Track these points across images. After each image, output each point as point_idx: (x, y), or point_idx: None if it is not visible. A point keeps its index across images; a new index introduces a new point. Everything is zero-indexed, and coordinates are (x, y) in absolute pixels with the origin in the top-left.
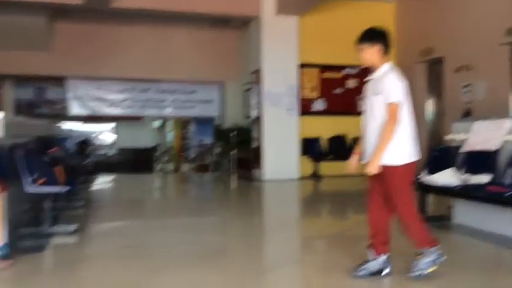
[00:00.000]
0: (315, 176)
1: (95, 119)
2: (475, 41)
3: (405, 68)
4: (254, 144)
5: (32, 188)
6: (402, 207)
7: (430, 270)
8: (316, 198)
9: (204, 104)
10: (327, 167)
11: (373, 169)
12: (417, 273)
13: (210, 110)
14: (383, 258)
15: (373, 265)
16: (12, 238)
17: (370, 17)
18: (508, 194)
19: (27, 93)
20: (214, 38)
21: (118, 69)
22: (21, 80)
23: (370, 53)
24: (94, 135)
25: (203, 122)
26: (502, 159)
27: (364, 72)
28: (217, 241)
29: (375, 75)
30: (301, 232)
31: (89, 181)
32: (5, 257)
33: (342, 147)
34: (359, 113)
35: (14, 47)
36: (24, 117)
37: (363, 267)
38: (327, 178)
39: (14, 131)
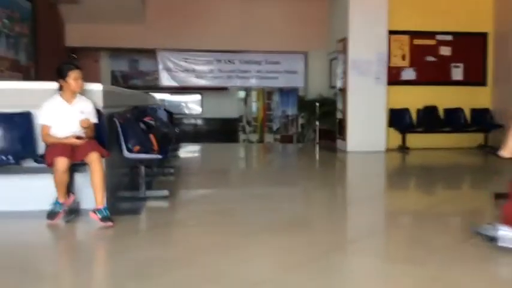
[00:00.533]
0: (402, 149)
1: (183, 89)
2: None
3: (505, 33)
4: (339, 115)
5: (129, 155)
6: None
7: None
8: (402, 171)
9: (289, 74)
10: (415, 139)
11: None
12: None
13: (295, 81)
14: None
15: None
16: (111, 201)
17: None
18: None
19: (122, 65)
20: (300, 7)
21: (205, 40)
22: (116, 52)
23: None
24: (183, 105)
25: (287, 93)
26: None
27: (458, 39)
28: (301, 211)
29: None
30: (385, 206)
31: (179, 149)
32: (107, 218)
33: (432, 119)
34: (452, 82)
35: (109, 20)
36: (120, 88)
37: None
38: (414, 151)
39: (111, 101)
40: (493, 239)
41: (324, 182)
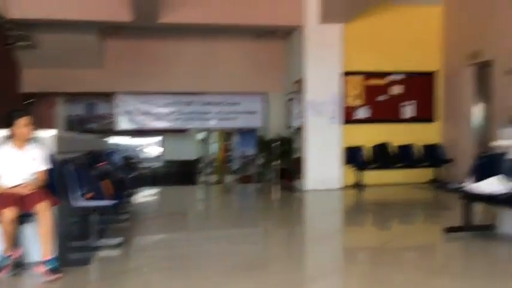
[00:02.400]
0: (358, 186)
1: (142, 132)
2: None
3: (452, 72)
4: (296, 154)
5: (80, 202)
6: None
7: None
8: (359, 208)
9: (247, 115)
10: (370, 176)
11: None
12: None
13: (253, 121)
14: None
15: None
16: (61, 251)
17: (416, 22)
18: None
19: (78, 109)
20: (258, 49)
21: (164, 83)
22: (72, 96)
23: None
24: (140, 148)
25: (246, 133)
26: None
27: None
28: (260, 252)
29: None
30: (343, 243)
31: (135, 194)
32: (55, 270)
33: (386, 156)
34: (403, 120)
35: (66, 65)
36: (74, 133)
37: None
38: (370, 187)
39: (65, 147)
40: None
41: (282, 221)
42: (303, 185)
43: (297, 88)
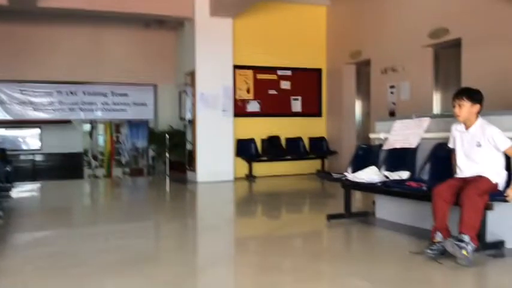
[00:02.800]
0: (249, 177)
1: (19, 123)
2: (400, 43)
3: (335, 70)
4: (188, 147)
5: None
6: None
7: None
8: (250, 198)
9: (138, 106)
10: (261, 168)
11: None
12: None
13: (144, 113)
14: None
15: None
16: None
17: (303, 20)
18: (425, 188)
19: None
20: (148, 39)
21: (44, 71)
22: None
23: (468, 112)
24: (20, 140)
25: (137, 125)
26: (421, 156)
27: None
28: (150, 245)
29: (470, 130)
30: (234, 233)
31: (11, 189)
32: None
33: (275, 148)
34: (292, 114)
35: None
36: None
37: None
38: (260, 179)
39: None
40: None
41: (174, 214)
42: (195, 177)
43: (189, 80)
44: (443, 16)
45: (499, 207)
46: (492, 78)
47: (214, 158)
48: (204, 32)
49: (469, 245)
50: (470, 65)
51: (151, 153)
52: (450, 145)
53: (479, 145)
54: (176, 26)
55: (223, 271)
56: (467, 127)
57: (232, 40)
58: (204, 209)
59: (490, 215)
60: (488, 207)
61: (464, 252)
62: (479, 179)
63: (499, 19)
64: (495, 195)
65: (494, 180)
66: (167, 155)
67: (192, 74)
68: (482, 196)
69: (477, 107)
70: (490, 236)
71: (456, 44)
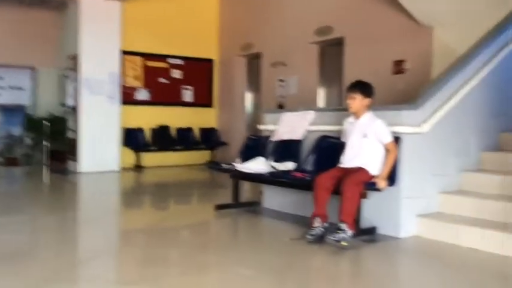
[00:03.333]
0: (137, 168)
1: None
2: (289, 38)
3: (227, 61)
4: (70, 135)
5: None
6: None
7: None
8: (137, 190)
9: (13, 90)
10: (150, 158)
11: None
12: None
13: (20, 98)
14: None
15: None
16: None
17: (196, 8)
18: (309, 178)
19: None
20: (27, 18)
21: None
22: None
23: (359, 104)
24: None
25: (12, 111)
26: (305, 148)
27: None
28: (25, 240)
29: (360, 121)
30: (118, 225)
31: None
32: None
33: (165, 138)
34: (183, 104)
35: None
36: None
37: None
38: (149, 169)
39: None
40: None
41: (53, 206)
42: (78, 167)
43: (72, 64)
44: (328, 15)
45: (372, 196)
46: (369, 75)
47: (99, 147)
48: (89, 13)
49: (346, 232)
50: (351, 62)
51: (28, 141)
52: (343, 139)
53: (365, 136)
54: (59, 6)
55: (105, 264)
56: (357, 119)
57: (120, 24)
58: (86, 201)
59: (365, 203)
60: (363, 195)
61: (341, 238)
62: (358, 170)
63: (377, 20)
64: (369, 184)
65: (373, 172)
66: (45, 143)
67: (75, 58)
68: (359, 186)
69: (368, 100)
70: (365, 223)
71: (339, 42)
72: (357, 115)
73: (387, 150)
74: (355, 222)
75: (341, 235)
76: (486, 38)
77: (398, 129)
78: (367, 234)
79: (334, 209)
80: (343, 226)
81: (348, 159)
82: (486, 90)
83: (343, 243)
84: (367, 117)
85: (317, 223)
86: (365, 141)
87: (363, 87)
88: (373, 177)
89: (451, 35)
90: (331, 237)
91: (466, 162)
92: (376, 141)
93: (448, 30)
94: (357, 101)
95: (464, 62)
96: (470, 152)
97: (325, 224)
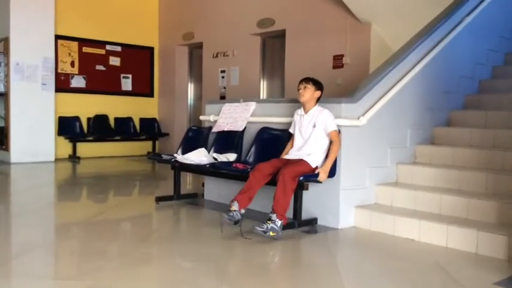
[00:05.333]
0: (73, 158)
1: None
2: (231, 29)
3: (168, 50)
4: (0, 123)
5: None
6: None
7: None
8: (73, 181)
9: None
10: (87, 148)
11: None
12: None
13: None
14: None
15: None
16: None
17: None
18: (250, 170)
19: None
20: None
21: None
22: None
23: (311, 94)
24: None
25: None
26: (247, 139)
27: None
28: None
29: (309, 113)
30: (52, 218)
31: None
32: None
33: (103, 128)
34: (122, 93)
35: None
36: None
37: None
38: (86, 160)
39: None
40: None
41: None
42: (8, 157)
43: (1, 48)
44: (270, 7)
45: (313, 188)
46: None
47: (32, 136)
48: None
49: (276, 222)
50: (293, 55)
51: None
52: (291, 130)
53: (314, 126)
54: None
55: (41, 259)
56: (306, 111)
57: (54, 6)
58: (18, 193)
59: (305, 195)
60: (304, 187)
61: (269, 229)
62: (299, 162)
63: (318, 14)
64: (310, 176)
65: (314, 164)
66: None
67: (5, 41)
68: (295, 179)
69: (319, 93)
70: (305, 214)
71: (281, 34)
72: (306, 107)
73: (331, 142)
74: (295, 213)
75: (270, 225)
76: (420, 34)
77: (338, 121)
78: (307, 225)
79: (269, 200)
80: (273, 216)
81: (294, 150)
82: (421, 85)
83: (272, 233)
84: (316, 109)
85: (235, 207)
86: (314, 132)
87: (315, 81)
88: (315, 168)
89: (388, 32)
90: (258, 228)
91: (402, 155)
92: (322, 131)
93: (385, 27)
94: (310, 90)
95: (400, 57)
96: (407, 144)
97: (242, 211)
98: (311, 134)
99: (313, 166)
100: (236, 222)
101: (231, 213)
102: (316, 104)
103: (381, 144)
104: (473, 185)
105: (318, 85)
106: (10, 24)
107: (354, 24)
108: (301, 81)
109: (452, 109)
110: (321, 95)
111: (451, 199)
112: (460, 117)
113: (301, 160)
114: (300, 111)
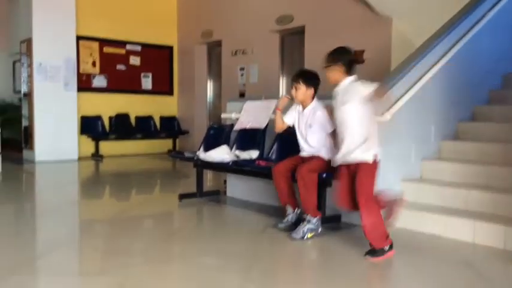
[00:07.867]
0: (96, 156)
1: None
2: (250, 26)
3: (187, 49)
4: (24, 123)
5: None
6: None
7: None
8: (97, 179)
9: None
10: (109, 147)
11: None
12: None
13: None
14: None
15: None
16: None
17: None
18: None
19: None
20: None
21: None
22: None
23: (303, 94)
24: None
25: None
26: (269, 136)
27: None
28: None
29: (305, 111)
30: (78, 215)
31: None
32: None
33: (125, 127)
34: (142, 91)
35: None
36: None
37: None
38: (108, 158)
39: None
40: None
41: (7, 196)
42: (33, 156)
43: (24, 49)
44: (288, 4)
45: (336, 184)
46: None
47: (56, 136)
48: None
49: (311, 221)
50: (312, 51)
51: None
52: (289, 122)
53: (310, 126)
54: None
55: (66, 256)
56: (303, 109)
57: (75, 7)
58: (43, 191)
59: (329, 191)
60: (327, 183)
61: (305, 232)
62: (312, 158)
63: (338, 10)
64: (331, 173)
65: (326, 157)
66: None
67: (28, 42)
68: (311, 173)
69: (311, 90)
70: (329, 211)
71: (300, 31)
72: (303, 105)
73: (332, 133)
74: (323, 208)
75: (306, 227)
76: (444, 28)
77: None
78: (331, 222)
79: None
80: (308, 217)
81: (302, 149)
82: (445, 80)
83: (309, 235)
84: (311, 107)
85: (289, 210)
86: (311, 131)
87: (305, 77)
88: (329, 162)
89: (409, 26)
90: (295, 235)
91: (426, 151)
92: (320, 130)
93: (406, 21)
94: (301, 91)
95: (424, 52)
96: (431, 140)
97: (297, 210)
98: (310, 134)
99: (326, 159)
100: (292, 225)
101: (285, 218)
102: (313, 100)
103: (405, 140)
104: (500, 180)
105: (309, 81)
106: (33, 26)
107: (374, 19)
108: (292, 80)
109: (476, 104)
110: (316, 89)
111: (477, 194)
112: (484, 111)
113: (314, 156)
114: (299, 108)
